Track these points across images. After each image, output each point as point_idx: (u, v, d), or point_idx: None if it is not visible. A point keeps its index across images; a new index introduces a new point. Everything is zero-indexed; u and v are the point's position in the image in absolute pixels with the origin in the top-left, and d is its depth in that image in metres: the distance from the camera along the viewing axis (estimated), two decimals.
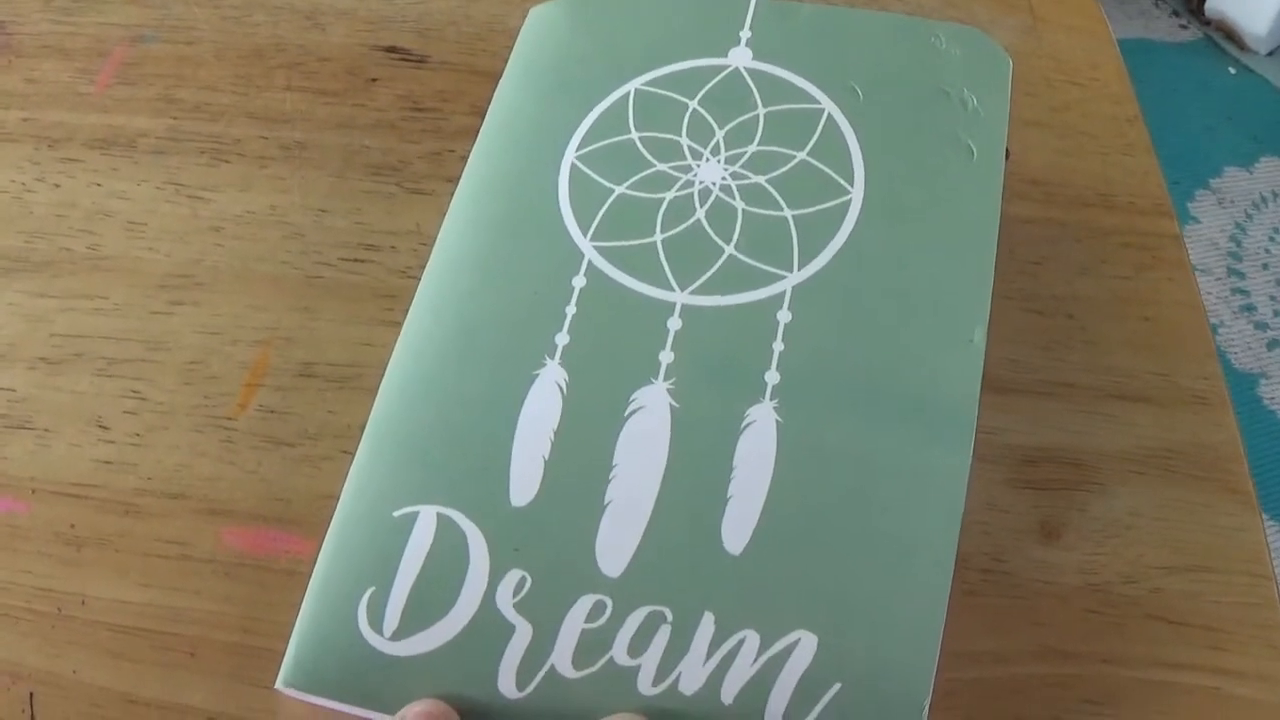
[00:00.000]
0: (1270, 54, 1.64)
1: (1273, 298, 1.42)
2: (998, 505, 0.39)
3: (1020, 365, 0.42)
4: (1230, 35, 1.65)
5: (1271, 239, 1.47)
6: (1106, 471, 0.40)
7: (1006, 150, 0.39)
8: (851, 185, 0.36)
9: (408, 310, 0.35)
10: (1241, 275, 1.44)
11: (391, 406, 0.34)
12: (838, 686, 0.29)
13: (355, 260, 0.44)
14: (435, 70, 0.50)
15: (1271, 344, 1.38)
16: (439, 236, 0.37)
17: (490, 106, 0.40)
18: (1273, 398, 1.34)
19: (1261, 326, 1.39)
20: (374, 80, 0.50)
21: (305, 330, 0.42)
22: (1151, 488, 0.39)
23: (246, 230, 0.44)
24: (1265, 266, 1.45)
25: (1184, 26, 1.69)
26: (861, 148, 0.36)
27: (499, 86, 0.40)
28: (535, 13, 0.42)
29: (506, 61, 0.44)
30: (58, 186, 0.46)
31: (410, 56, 0.51)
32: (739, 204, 0.36)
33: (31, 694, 0.35)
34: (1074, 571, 0.37)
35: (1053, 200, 0.47)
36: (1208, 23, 1.67)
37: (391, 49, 0.51)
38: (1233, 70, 1.63)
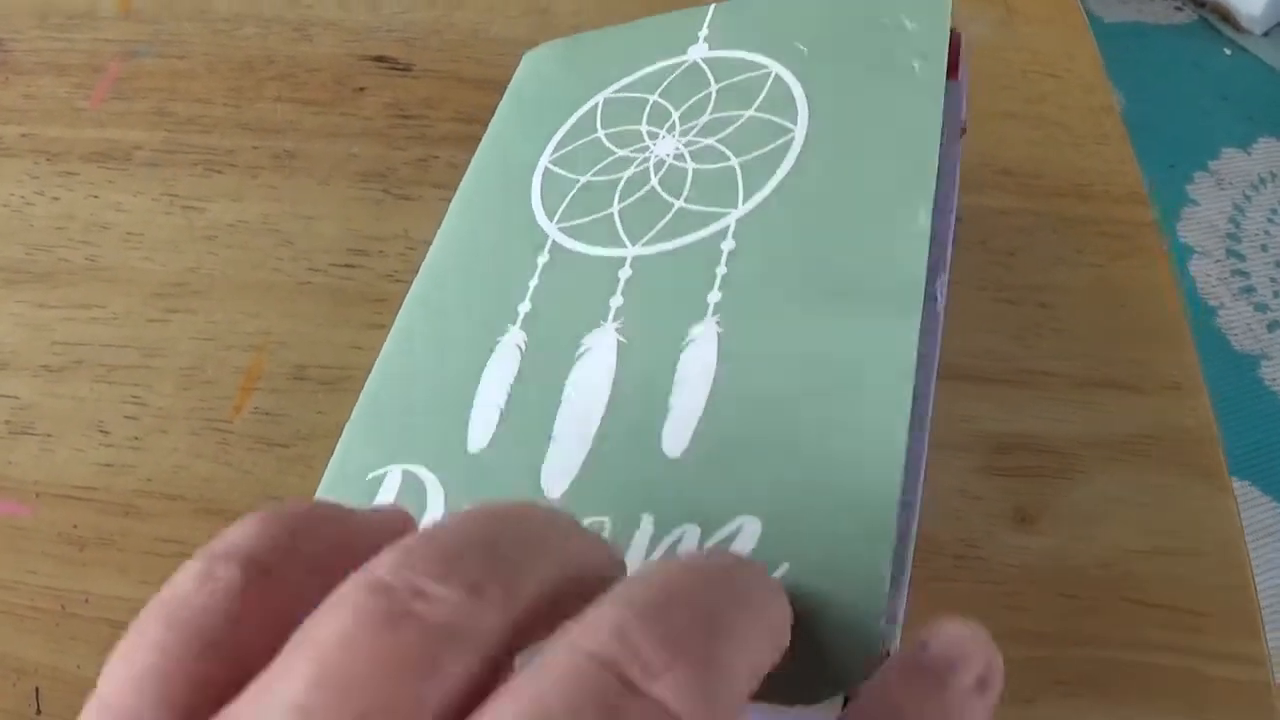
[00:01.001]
0: (1265, 34, 1.64)
1: (1273, 279, 1.42)
2: (970, 492, 0.39)
3: (994, 354, 0.43)
4: (1225, 16, 1.65)
5: (1270, 220, 1.48)
6: (1080, 458, 0.40)
7: (963, 126, 0.39)
8: (795, 125, 0.36)
9: (396, 312, 0.37)
10: (1241, 257, 1.44)
11: (373, 390, 0.35)
12: (785, 566, 0.28)
13: (345, 265, 0.45)
14: (420, 78, 0.51)
15: (1272, 325, 1.38)
16: (432, 246, 0.38)
17: (484, 137, 0.41)
18: (1274, 379, 1.34)
19: (1261, 308, 1.40)
20: (361, 89, 0.51)
21: (297, 335, 0.43)
22: (1126, 473, 0.40)
23: (239, 238, 0.46)
24: (1264, 248, 1.45)
25: (1178, 8, 1.69)
26: (806, 93, 0.37)
27: (491, 121, 0.42)
28: (527, 57, 0.44)
29: (489, 68, 0.45)
30: (56, 199, 0.47)
31: (396, 65, 0.52)
32: (690, 165, 0.36)
33: (37, 689, 0.36)
34: (1048, 556, 0.38)
35: (1027, 191, 0.48)
36: (1202, 4, 1.67)
37: (378, 58, 0.52)
38: (1228, 51, 1.63)
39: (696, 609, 0.22)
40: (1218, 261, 1.43)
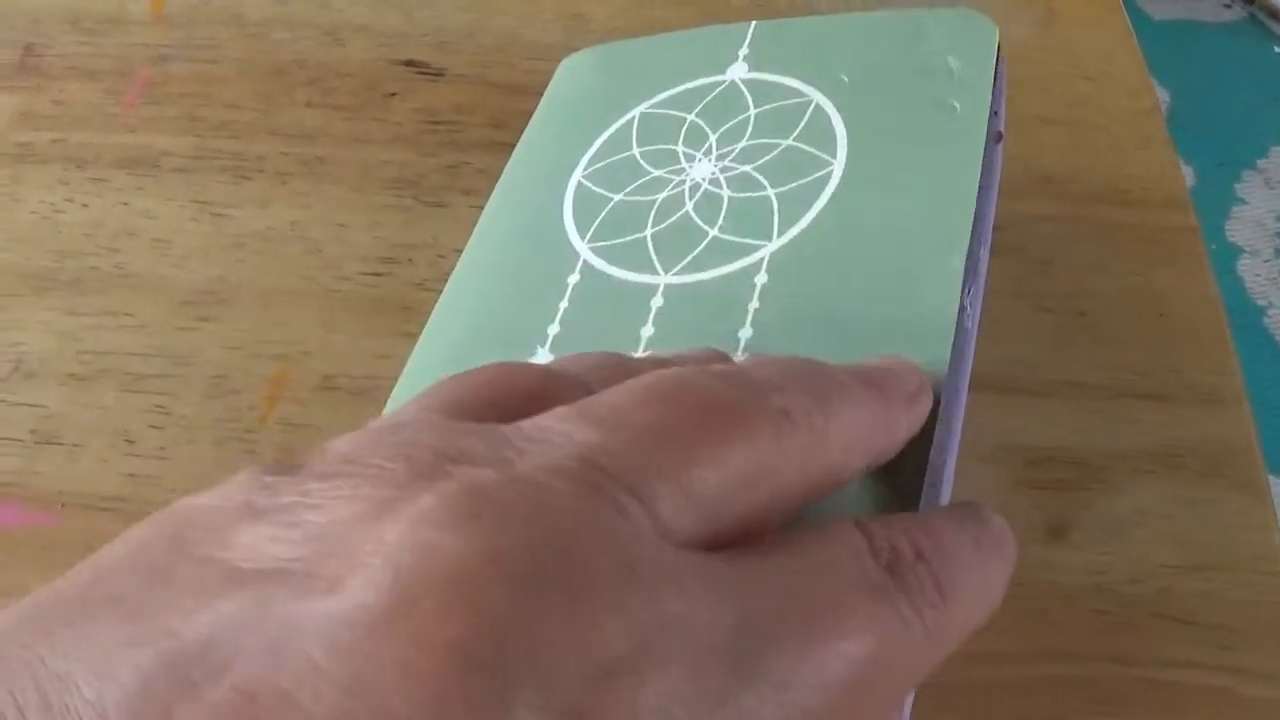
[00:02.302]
0: None
1: None
2: (1002, 506, 0.38)
3: (1028, 364, 0.42)
4: (1275, 14, 1.63)
5: None
6: (1115, 470, 0.40)
7: (999, 133, 0.39)
8: (834, 159, 0.36)
9: (425, 322, 0.37)
10: None
11: (399, 400, 0.35)
12: None
13: (373, 274, 0.45)
14: (452, 83, 0.51)
15: None
16: (463, 255, 0.38)
17: (517, 145, 0.41)
18: None
19: None
20: (392, 94, 0.51)
21: (324, 344, 0.43)
22: (1161, 486, 0.39)
23: (268, 246, 0.46)
24: None
25: (1227, 6, 1.67)
26: (846, 125, 0.37)
27: (527, 127, 0.42)
28: (565, 63, 0.44)
29: (521, 74, 0.45)
30: (86, 206, 0.47)
31: (428, 70, 0.52)
32: (725, 192, 0.36)
33: None
34: (1080, 571, 0.38)
35: (1065, 197, 0.47)
36: (1251, 1, 1.65)
37: (410, 63, 0.52)
38: (1278, 49, 1.61)
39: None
40: (1266, 261, 1.42)
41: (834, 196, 0.35)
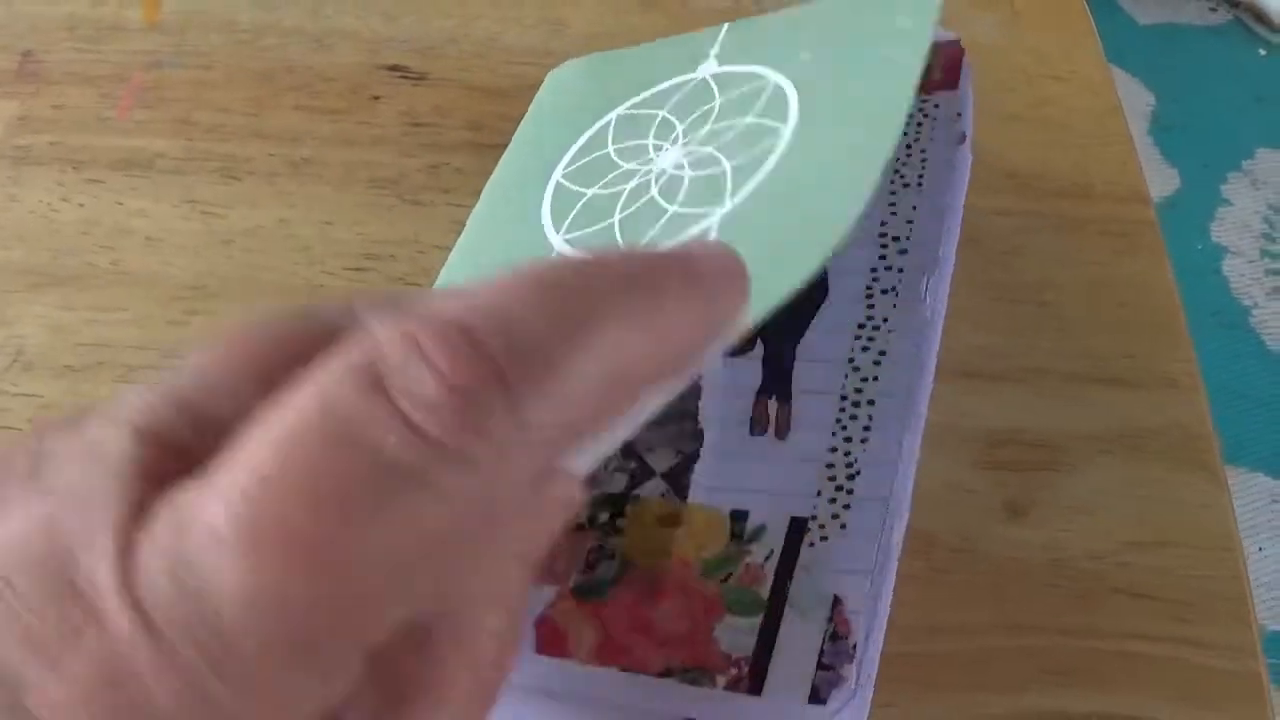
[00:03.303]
0: None
1: None
2: (964, 486, 0.40)
3: (990, 352, 0.43)
4: (1260, 16, 1.64)
5: None
6: (1075, 452, 0.41)
7: (963, 133, 0.40)
8: (784, 124, 0.37)
9: None
10: (1275, 256, 1.43)
11: None
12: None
13: (357, 270, 0.46)
14: (434, 86, 0.53)
15: None
16: (450, 255, 0.40)
17: (506, 150, 0.43)
18: None
19: None
20: (376, 98, 0.52)
21: None
22: (1120, 467, 0.41)
23: (256, 243, 0.47)
24: None
25: (1213, 9, 1.68)
26: (799, 96, 0.38)
27: (515, 133, 0.44)
28: (551, 75, 0.46)
29: (500, 78, 0.46)
30: (82, 206, 0.49)
31: (410, 74, 0.53)
32: (688, 173, 0.37)
33: None
34: (1040, 548, 0.39)
35: (1028, 192, 0.48)
36: (1236, 4, 1.67)
37: (393, 67, 0.53)
38: (1263, 51, 1.62)
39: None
40: (1251, 262, 1.43)
41: (781, 157, 0.36)
